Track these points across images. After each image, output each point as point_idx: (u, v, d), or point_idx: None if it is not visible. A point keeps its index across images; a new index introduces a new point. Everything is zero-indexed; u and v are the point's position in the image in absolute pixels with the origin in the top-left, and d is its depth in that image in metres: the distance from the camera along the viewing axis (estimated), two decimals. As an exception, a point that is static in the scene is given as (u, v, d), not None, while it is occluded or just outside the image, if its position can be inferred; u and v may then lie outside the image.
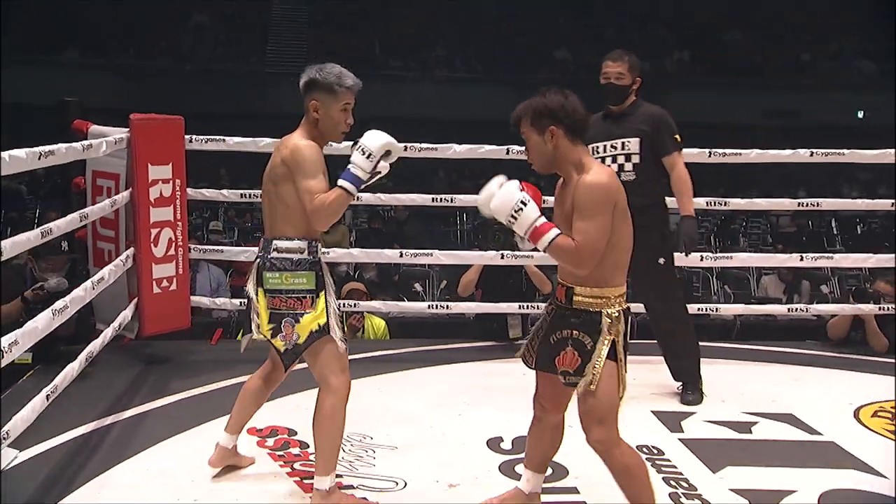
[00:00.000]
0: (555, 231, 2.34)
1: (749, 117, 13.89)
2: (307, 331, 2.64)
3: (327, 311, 2.67)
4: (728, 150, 4.47)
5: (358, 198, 4.90)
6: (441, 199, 4.74)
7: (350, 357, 4.39)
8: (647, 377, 4.02)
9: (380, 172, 2.66)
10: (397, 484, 2.91)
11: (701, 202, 4.71)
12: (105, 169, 4.18)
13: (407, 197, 4.84)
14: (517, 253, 4.77)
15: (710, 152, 4.49)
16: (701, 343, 3.99)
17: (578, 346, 2.39)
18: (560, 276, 2.50)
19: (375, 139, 2.59)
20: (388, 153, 2.63)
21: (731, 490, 2.91)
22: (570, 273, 2.41)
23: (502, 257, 4.72)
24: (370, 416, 3.47)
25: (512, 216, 2.35)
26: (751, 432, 3.47)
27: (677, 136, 3.71)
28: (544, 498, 2.77)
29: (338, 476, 2.89)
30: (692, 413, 3.69)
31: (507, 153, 4.59)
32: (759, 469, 3.08)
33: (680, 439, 3.39)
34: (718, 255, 5.54)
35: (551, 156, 2.41)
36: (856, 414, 3.68)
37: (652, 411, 3.70)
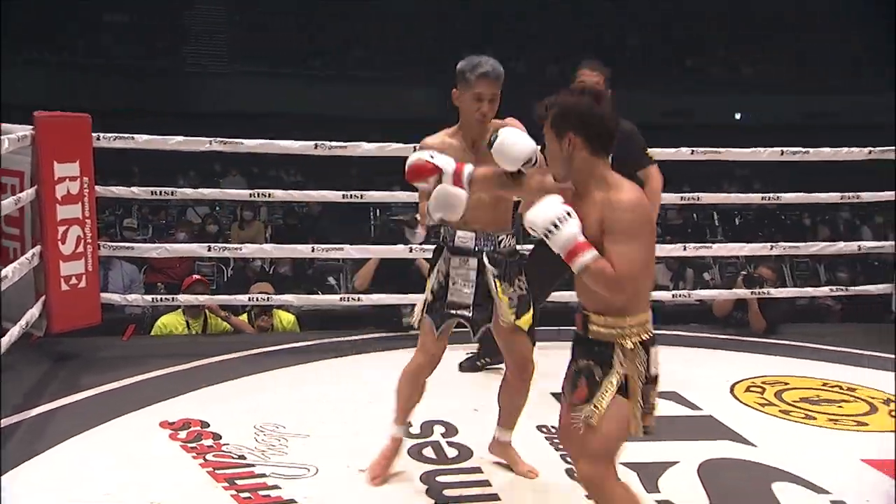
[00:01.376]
0: (593, 252, 2.02)
1: (649, 117, 14.37)
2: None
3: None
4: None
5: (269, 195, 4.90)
6: (352, 196, 4.76)
7: (261, 350, 4.43)
8: (543, 361, 4.15)
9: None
10: (308, 471, 2.94)
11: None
12: (8, 167, 4.03)
13: (318, 194, 4.85)
14: (426, 247, 4.84)
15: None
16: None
17: (589, 378, 2.13)
18: (580, 301, 2.22)
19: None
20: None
21: (621, 464, 3.03)
22: (591, 298, 2.12)
23: (411, 251, 4.77)
24: (283, 406, 3.48)
25: (550, 229, 2.01)
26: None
27: (646, 151, 3.78)
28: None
29: (250, 465, 2.90)
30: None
31: (415, 150, 4.61)
32: (646, 443, 3.16)
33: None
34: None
35: (569, 165, 2.10)
36: (731, 389, 3.89)
37: (551, 393, 3.82)
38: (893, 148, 4.84)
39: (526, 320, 2.82)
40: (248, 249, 4.76)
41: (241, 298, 4.80)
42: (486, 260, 2.76)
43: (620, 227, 2.00)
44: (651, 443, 3.19)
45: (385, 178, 13.09)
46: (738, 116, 15.16)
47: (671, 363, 4.28)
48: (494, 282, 2.75)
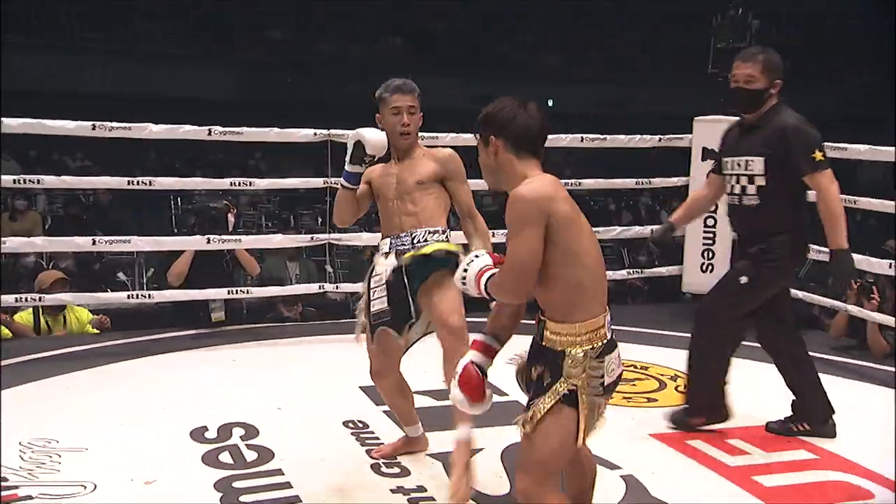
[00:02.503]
0: (491, 271, 2.04)
1: (459, 102, 14.69)
2: None
3: None
4: (429, 134, 4.69)
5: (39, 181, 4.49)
6: (140, 182, 4.45)
7: (42, 354, 4.07)
8: (355, 354, 4.13)
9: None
10: (85, 487, 2.71)
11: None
12: None
13: (100, 180, 4.50)
14: (225, 237, 4.65)
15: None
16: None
17: (538, 385, 2.05)
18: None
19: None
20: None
21: (428, 455, 3.08)
22: (544, 303, 2.06)
23: (208, 241, 4.56)
24: (56, 418, 3.19)
25: (462, 282, 2.08)
26: (447, 399, 3.67)
27: (817, 154, 3.07)
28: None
29: (14, 487, 2.63)
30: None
31: (210, 134, 4.43)
32: (452, 432, 3.27)
33: (384, 411, 3.51)
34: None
35: (494, 169, 2.09)
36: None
37: (360, 387, 3.79)
38: (686, 136, 5.24)
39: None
40: (14, 243, 4.31)
41: (8, 299, 4.34)
42: (394, 258, 2.84)
43: (509, 220, 1.98)
44: (456, 432, 3.27)
45: (188, 164, 12.56)
46: (550, 103, 15.89)
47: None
48: (406, 279, 2.80)
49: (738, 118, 3.33)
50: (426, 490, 2.79)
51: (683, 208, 3.61)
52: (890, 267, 4.25)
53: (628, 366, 4.12)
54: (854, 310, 4.49)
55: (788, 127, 3.09)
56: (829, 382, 3.43)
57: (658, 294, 7.07)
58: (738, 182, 3.22)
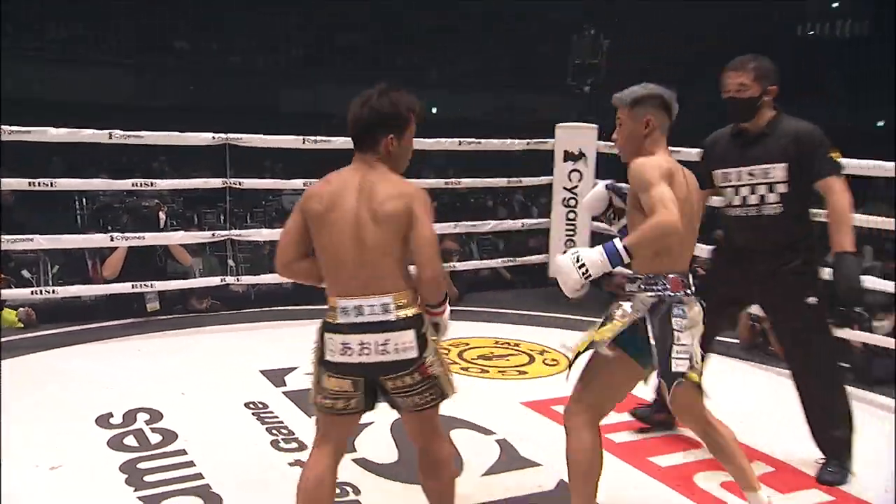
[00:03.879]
0: None
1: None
2: None
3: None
4: (319, 137, 4.66)
5: None
6: (40, 184, 4.21)
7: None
8: (255, 340, 4.09)
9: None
10: (-12, 475, 2.57)
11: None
12: None
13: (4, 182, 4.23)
14: (127, 234, 4.48)
15: (304, 139, 4.65)
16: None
17: None
18: None
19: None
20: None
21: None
22: None
23: (112, 239, 4.40)
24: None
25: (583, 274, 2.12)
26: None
27: (834, 155, 2.76)
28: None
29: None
30: (295, 368, 3.76)
31: (110, 137, 4.26)
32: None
33: (283, 392, 3.49)
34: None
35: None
36: (423, 353, 4.11)
37: (260, 371, 3.74)
38: (550, 140, 5.41)
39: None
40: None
41: None
42: None
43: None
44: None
45: (96, 166, 11.90)
46: (433, 110, 15.98)
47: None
48: None
49: (736, 128, 2.88)
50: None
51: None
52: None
53: (503, 343, 4.31)
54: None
55: (803, 131, 2.76)
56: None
57: (532, 280, 7.28)
58: (752, 192, 2.82)
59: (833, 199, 2.70)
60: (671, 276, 2.20)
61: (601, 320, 2.27)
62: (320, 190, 2.06)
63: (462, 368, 3.87)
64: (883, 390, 3.67)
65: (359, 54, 16.24)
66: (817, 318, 2.81)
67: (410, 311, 2.01)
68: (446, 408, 3.29)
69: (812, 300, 2.77)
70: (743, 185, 2.84)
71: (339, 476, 2.61)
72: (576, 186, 5.27)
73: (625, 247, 2.11)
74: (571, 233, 5.35)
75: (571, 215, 5.34)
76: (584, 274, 2.12)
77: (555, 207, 5.38)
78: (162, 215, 4.70)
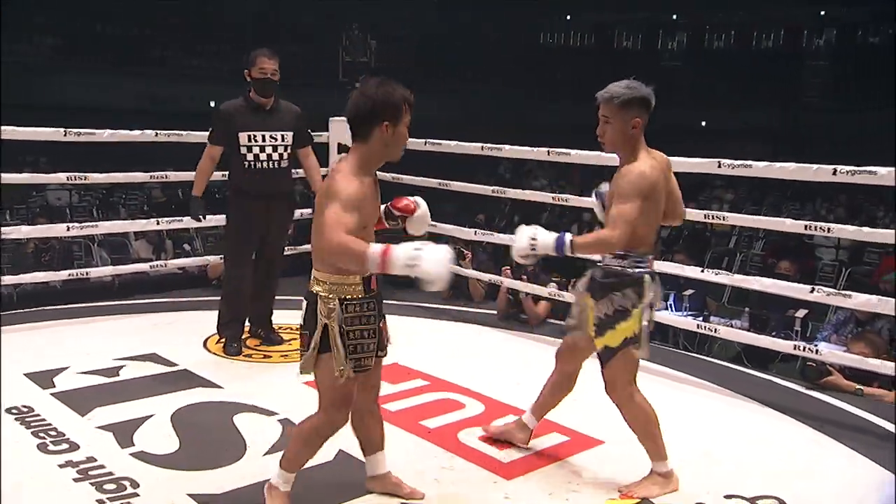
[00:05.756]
0: None
1: (128, 102, 13.47)
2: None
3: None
4: (83, 130, 4.28)
5: None
6: None
7: None
8: (19, 344, 3.70)
9: None
10: None
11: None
12: None
13: None
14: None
15: (65, 131, 4.22)
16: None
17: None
18: None
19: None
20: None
21: (98, 427, 2.90)
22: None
23: None
24: None
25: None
26: (118, 375, 3.48)
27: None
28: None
29: None
30: (65, 368, 3.51)
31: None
32: (124, 404, 3.11)
33: (52, 394, 3.22)
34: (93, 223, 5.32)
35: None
36: (204, 343, 3.98)
37: (24, 374, 3.41)
38: (325, 133, 5.38)
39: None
40: None
41: None
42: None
43: None
44: (129, 402, 3.13)
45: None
46: (212, 104, 15.16)
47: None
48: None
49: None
50: (96, 460, 2.63)
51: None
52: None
53: (285, 328, 4.28)
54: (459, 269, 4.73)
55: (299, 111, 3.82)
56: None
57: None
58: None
59: (311, 160, 3.92)
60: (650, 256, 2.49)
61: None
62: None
63: (245, 356, 3.81)
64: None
65: (116, 46, 15.03)
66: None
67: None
68: (231, 395, 3.27)
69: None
70: (266, 146, 3.68)
71: (115, 472, 2.50)
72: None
73: (572, 242, 2.34)
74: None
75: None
76: (532, 247, 2.37)
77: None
78: None
